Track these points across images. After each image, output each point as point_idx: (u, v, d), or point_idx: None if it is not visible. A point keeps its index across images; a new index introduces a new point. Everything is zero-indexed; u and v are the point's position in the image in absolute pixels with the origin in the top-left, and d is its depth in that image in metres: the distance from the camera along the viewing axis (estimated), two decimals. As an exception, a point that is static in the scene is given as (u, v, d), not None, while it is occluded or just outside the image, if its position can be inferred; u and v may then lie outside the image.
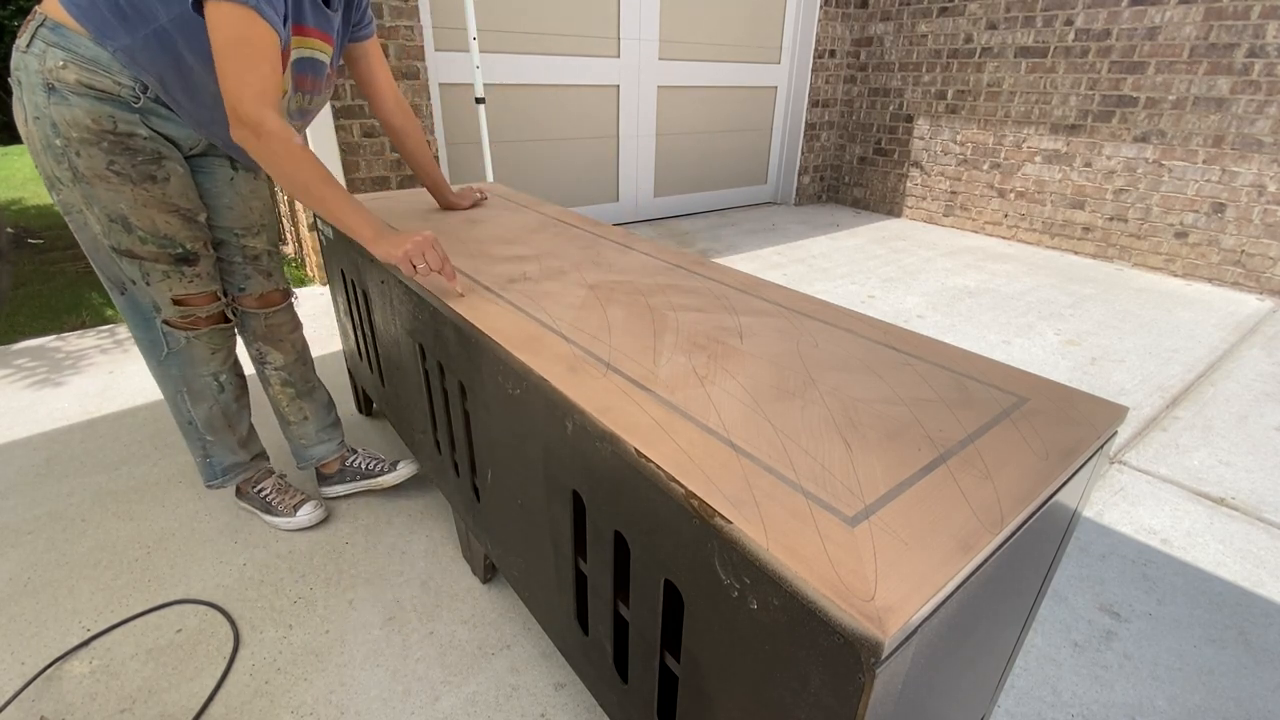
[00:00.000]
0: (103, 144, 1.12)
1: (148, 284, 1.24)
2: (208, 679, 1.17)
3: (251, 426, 1.54)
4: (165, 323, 1.28)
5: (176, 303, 1.27)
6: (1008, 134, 4.13)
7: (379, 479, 1.66)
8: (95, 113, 1.10)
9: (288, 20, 1.11)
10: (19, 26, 1.09)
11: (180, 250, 1.25)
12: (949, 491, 0.63)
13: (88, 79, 1.08)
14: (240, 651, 1.22)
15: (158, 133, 1.19)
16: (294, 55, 1.20)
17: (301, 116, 1.33)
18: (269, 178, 1.36)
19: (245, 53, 1.03)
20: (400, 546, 1.49)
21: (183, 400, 1.38)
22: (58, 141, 1.10)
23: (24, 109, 1.09)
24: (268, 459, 1.59)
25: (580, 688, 1.17)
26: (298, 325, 1.56)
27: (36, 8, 1.08)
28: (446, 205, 1.70)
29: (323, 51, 1.26)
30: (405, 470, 1.67)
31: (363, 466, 1.66)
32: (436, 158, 3.26)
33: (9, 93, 1.12)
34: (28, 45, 1.06)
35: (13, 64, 1.08)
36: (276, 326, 1.51)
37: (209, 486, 1.51)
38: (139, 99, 1.14)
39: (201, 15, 1.03)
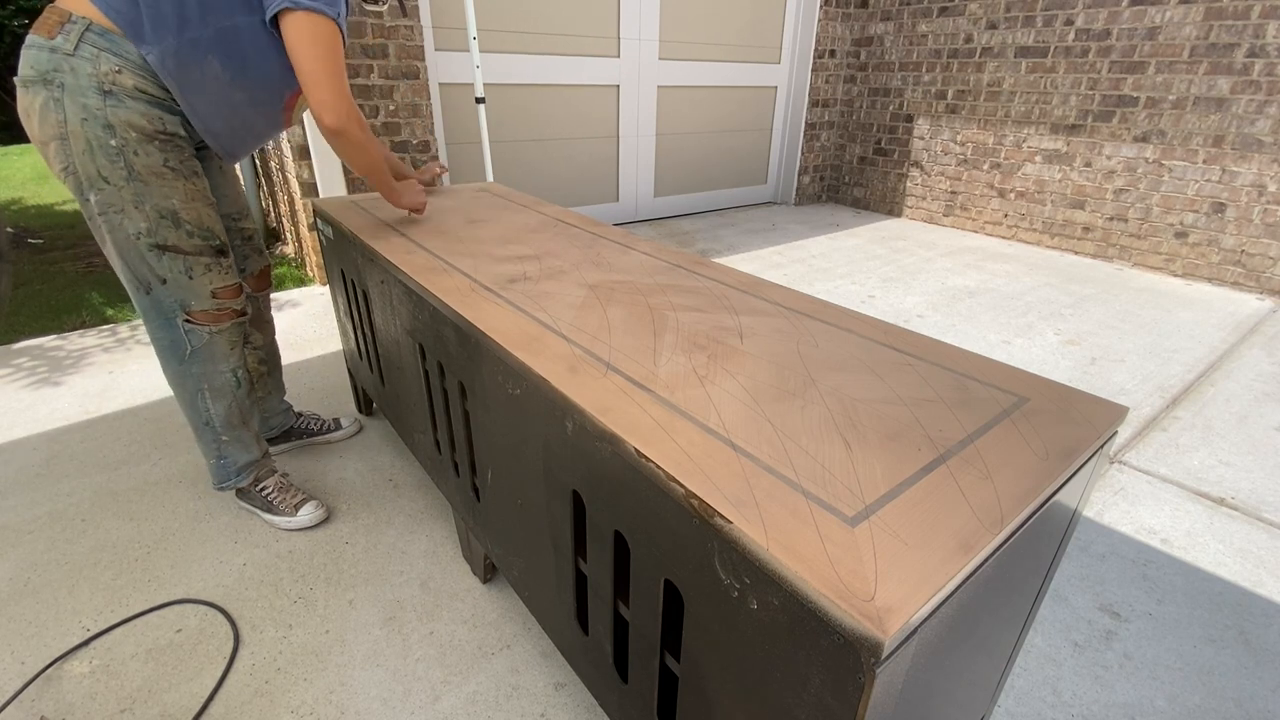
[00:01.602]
0: (156, 142, 1.17)
1: (190, 278, 1.28)
2: (208, 679, 1.17)
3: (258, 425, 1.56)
4: (187, 320, 1.31)
5: (214, 295, 1.32)
6: (1008, 134, 4.13)
7: (324, 436, 1.86)
8: (149, 114, 1.15)
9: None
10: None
11: (218, 242, 1.32)
12: (949, 491, 0.63)
13: (140, 84, 1.13)
14: (240, 651, 1.22)
15: (187, 132, 1.25)
16: None
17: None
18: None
19: (335, 62, 1.17)
20: (400, 546, 1.50)
21: (202, 400, 1.39)
22: (113, 142, 1.13)
23: (63, 110, 1.09)
24: (272, 457, 1.60)
25: (580, 688, 1.17)
26: (270, 303, 1.71)
27: (64, 7, 1.07)
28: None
29: None
30: (349, 428, 1.90)
31: (309, 427, 1.85)
32: (436, 157, 3.26)
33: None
34: (75, 48, 1.07)
35: (47, 65, 1.07)
36: (264, 308, 1.66)
37: (219, 489, 1.52)
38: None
39: (276, 28, 1.13)
